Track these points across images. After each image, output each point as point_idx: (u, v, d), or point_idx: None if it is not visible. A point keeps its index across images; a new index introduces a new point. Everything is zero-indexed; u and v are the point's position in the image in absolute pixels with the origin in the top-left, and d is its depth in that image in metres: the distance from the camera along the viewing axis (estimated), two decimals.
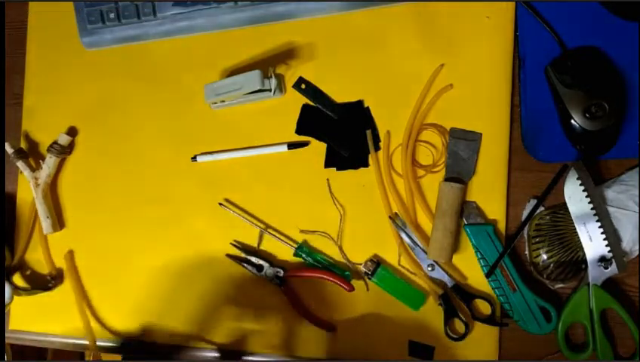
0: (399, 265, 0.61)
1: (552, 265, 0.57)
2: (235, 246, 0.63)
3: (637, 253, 0.56)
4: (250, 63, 0.64)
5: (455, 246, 0.59)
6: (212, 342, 0.63)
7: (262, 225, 0.63)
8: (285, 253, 0.63)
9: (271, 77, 0.60)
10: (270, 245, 0.63)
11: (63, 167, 0.68)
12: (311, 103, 0.63)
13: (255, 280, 0.63)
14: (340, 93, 0.63)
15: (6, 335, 0.68)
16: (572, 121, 0.56)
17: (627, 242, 0.56)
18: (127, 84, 0.67)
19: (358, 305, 0.61)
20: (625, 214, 0.55)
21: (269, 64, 0.63)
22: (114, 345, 0.66)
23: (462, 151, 0.60)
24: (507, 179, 0.59)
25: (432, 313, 0.60)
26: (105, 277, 0.66)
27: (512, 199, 0.60)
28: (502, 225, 0.59)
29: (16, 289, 0.66)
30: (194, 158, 0.64)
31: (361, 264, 0.61)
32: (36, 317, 0.68)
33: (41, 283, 0.67)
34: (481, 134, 0.60)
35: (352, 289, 0.61)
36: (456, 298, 0.59)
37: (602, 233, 0.55)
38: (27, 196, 0.68)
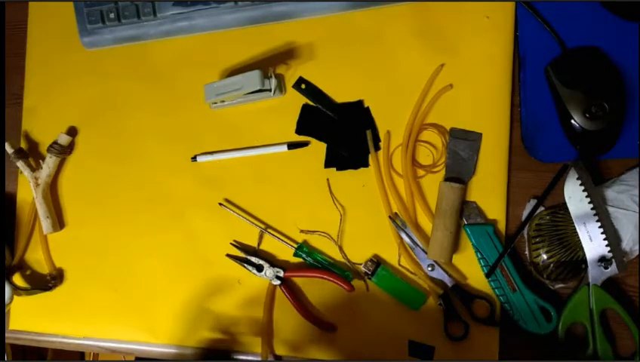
0: (399, 265, 0.61)
1: (552, 265, 0.57)
2: (235, 246, 0.63)
3: (637, 253, 0.56)
4: (250, 63, 0.64)
5: (455, 247, 0.59)
6: (211, 341, 0.63)
7: (262, 225, 0.63)
8: (285, 253, 0.63)
9: (271, 77, 0.60)
10: (270, 245, 0.63)
11: (63, 167, 0.68)
12: (311, 103, 0.63)
13: (255, 280, 0.63)
14: (340, 93, 0.63)
15: (6, 335, 0.68)
16: (572, 121, 0.56)
17: (627, 242, 0.56)
18: (127, 84, 0.67)
19: (358, 305, 0.61)
20: (625, 214, 0.55)
21: (269, 64, 0.63)
22: (115, 345, 0.66)
23: (462, 151, 0.60)
24: (507, 179, 0.59)
25: (432, 313, 0.60)
26: (105, 277, 0.66)
27: (512, 199, 0.60)
28: (502, 225, 0.59)
29: (16, 289, 0.66)
30: (194, 158, 0.64)
31: (361, 264, 0.61)
32: (36, 317, 0.68)
33: (41, 283, 0.67)
34: (481, 134, 0.60)
35: (352, 289, 0.61)
36: (456, 298, 0.59)
37: (602, 233, 0.55)
38: (27, 196, 0.68)
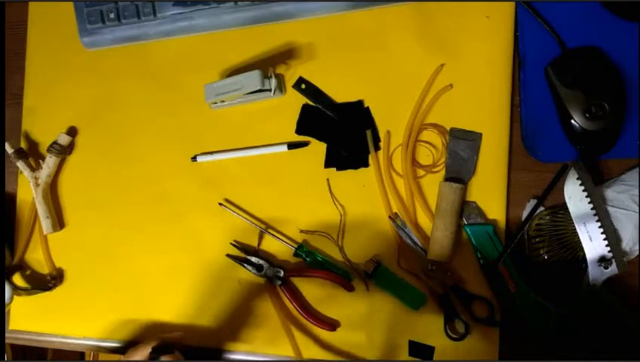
0: (399, 265, 0.61)
1: (552, 265, 0.57)
2: (235, 246, 0.63)
3: (637, 253, 0.56)
4: (250, 63, 0.64)
5: (455, 247, 0.59)
6: (211, 341, 0.63)
7: (262, 225, 0.63)
8: (285, 253, 0.63)
9: (271, 77, 0.60)
10: (270, 245, 0.63)
11: (63, 167, 0.68)
12: (311, 103, 0.63)
13: (255, 280, 0.63)
14: (340, 93, 0.63)
15: (6, 335, 0.68)
16: (572, 121, 0.56)
17: (627, 242, 0.56)
18: (127, 84, 0.67)
19: (358, 305, 0.61)
20: (625, 214, 0.55)
21: (269, 64, 0.63)
22: (115, 345, 0.66)
23: (462, 151, 0.60)
24: (507, 179, 0.59)
25: (432, 313, 0.60)
26: (105, 277, 0.66)
27: (512, 199, 0.60)
28: (502, 225, 0.59)
29: (16, 289, 0.66)
30: (194, 158, 0.64)
31: (361, 264, 0.61)
32: (36, 317, 0.67)
33: (41, 283, 0.67)
34: (481, 134, 0.60)
35: (352, 289, 0.61)
36: (456, 298, 0.59)
37: (602, 233, 0.55)
38: (27, 196, 0.68)
